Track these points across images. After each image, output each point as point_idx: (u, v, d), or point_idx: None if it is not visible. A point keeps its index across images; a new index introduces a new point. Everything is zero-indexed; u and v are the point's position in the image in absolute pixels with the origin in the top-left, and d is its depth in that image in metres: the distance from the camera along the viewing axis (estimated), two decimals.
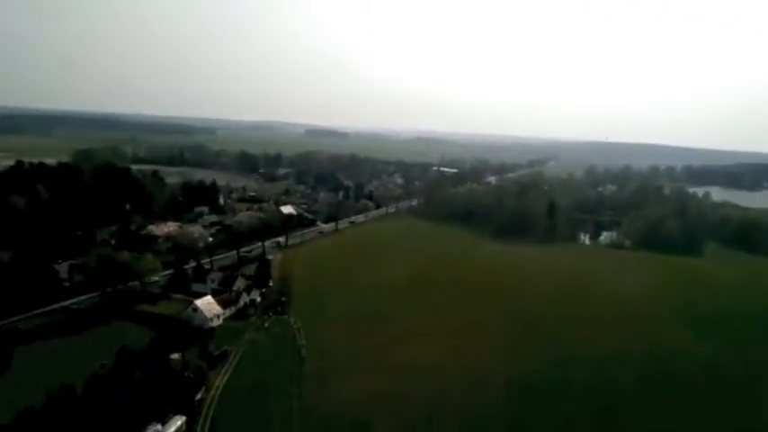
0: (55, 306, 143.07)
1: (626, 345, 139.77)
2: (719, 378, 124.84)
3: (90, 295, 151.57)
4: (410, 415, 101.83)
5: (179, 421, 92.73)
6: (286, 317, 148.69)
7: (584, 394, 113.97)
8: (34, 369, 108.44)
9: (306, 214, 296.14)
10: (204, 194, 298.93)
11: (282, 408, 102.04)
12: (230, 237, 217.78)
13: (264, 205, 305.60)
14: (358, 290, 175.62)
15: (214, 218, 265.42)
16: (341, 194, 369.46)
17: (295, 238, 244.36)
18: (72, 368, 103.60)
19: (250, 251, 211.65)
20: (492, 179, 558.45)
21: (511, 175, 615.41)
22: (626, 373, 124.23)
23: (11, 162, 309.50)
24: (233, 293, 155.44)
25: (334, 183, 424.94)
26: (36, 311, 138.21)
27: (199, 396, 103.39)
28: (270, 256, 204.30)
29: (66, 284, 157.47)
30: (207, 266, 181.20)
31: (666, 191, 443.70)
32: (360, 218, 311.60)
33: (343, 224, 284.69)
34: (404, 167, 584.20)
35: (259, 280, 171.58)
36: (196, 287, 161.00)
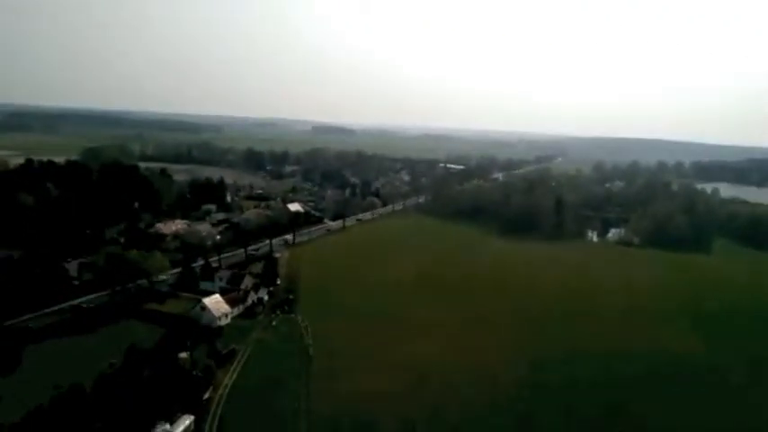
0: (64, 305, 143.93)
1: (633, 342, 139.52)
2: (726, 376, 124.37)
3: (99, 294, 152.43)
4: (418, 413, 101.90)
5: (187, 420, 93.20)
6: (293, 315, 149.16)
7: (591, 391, 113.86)
8: (44, 367, 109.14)
9: (313, 212, 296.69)
10: (212, 192, 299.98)
11: (290, 407, 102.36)
12: (238, 235, 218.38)
13: (272, 203, 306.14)
14: (365, 288, 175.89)
15: (221, 216, 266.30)
16: (348, 192, 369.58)
17: (302, 235, 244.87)
18: (81, 367, 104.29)
19: (257, 249, 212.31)
20: (499, 176, 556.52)
21: (518, 171, 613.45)
22: (633, 370, 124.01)
23: (20, 160, 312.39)
24: (241, 292, 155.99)
25: (341, 180, 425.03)
26: (46, 310, 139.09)
27: (207, 395, 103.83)
28: (277, 254, 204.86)
29: (76, 283, 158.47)
30: (215, 265, 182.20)
31: (675, 187, 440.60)
32: (367, 215, 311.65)
33: (350, 221, 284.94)
34: (410, 164, 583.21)
35: (267, 278, 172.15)
36: (204, 285, 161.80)
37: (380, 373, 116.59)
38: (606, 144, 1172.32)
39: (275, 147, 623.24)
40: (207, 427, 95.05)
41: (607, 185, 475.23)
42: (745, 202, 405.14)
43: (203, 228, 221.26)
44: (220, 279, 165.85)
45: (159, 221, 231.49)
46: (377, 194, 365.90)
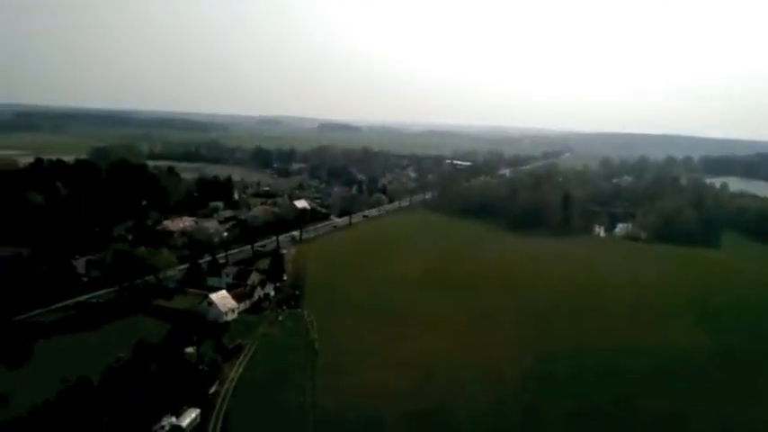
0: (73, 301, 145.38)
1: (641, 338, 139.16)
2: (735, 370, 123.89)
3: (107, 290, 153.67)
4: (424, 408, 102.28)
5: (193, 414, 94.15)
6: (299, 311, 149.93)
7: (598, 386, 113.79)
8: (54, 362, 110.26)
9: (319, 209, 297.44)
10: (219, 190, 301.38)
11: (296, 401, 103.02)
12: (245, 231, 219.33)
13: (278, 200, 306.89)
14: (371, 284, 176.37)
15: (229, 213, 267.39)
16: (354, 188, 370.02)
17: (309, 232, 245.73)
18: (90, 361, 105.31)
19: (264, 246, 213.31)
20: (506, 172, 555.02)
21: (525, 167, 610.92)
22: (640, 365, 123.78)
23: (30, 159, 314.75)
24: (247, 288, 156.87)
25: (348, 177, 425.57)
26: (54, 306, 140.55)
27: (213, 389, 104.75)
28: (284, 251, 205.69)
29: (84, 279, 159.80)
30: (222, 261, 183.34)
31: (683, 182, 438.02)
32: (373, 212, 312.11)
33: (356, 218, 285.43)
34: (417, 161, 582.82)
35: (273, 274, 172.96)
36: (211, 281, 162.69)
37: (386, 369, 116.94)
38: (613, 139, 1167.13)
39: (282, 144, 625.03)
40: (213, 421, 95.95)
41: (615, 180, 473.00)
42: (754, 197, 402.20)
43: (211, 225, 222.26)
44: (227, 275, 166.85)
45: (167, 219, 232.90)
46: (383, 191, 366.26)
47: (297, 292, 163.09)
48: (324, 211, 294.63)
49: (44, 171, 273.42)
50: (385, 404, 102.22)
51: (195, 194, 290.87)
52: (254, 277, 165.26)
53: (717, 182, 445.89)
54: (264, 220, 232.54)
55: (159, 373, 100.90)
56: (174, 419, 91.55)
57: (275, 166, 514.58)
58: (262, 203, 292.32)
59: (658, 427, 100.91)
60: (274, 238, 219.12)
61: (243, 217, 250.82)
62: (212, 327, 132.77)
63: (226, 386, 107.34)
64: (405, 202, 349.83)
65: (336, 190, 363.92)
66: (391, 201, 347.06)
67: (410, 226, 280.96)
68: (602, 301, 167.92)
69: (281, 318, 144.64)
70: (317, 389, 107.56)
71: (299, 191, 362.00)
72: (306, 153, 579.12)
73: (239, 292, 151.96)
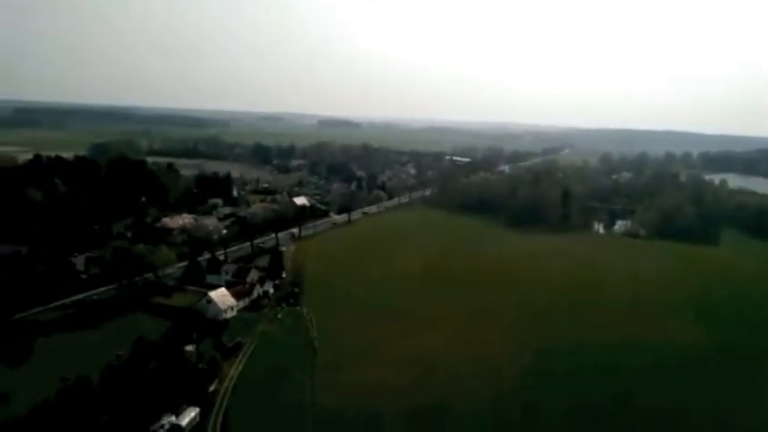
0: (72, 299, 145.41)
1: (640, 334, 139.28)
2: (734, 366, 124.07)
3: (106, 288, 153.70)
4: (424, 405, 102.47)
5: (192, 412, 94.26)
6: (299, 308, 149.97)
7: (597, 382, 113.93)
8: (53, 360, 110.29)
9: (319, 205, 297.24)
10: (218, 186, 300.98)
11: (295, 399, 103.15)
12: (244, 228, 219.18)
13: (278, 197, 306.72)
14: (371, 281, 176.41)
15: (228, 210, 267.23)
16: (354, 185, 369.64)
17: (308, 229, 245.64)
18: (89, 360, 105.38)
19: (264, 243, 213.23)
20: (505, 168, 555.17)
21: (524, 163, 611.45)
22: (640, 361, 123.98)
23: (28, 156, 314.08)
24: (246, 285, 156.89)
25: (347, 173, 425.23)
26: (53, 304, 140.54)
27: (212, 387, 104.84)
28: (283, 248, 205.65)
29: (83, 277, 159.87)
30: (221, 258, 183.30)
31: (682, 178, 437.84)
32: (373, 208, 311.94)
33: (356, 215, 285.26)
34: (416, 157, 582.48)
35: (272, 272, 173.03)
36: (210, 279, 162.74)
37: (385, 366, 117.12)
38: (613, 135, 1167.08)
39: (282, 141, 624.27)
40: (212, 419, 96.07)
41: (614, 177, 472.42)
42: (753, 193, 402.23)
43: (210, 222, 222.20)
44: (226, 272, 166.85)
45: (166, 216, 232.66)
46: (383, 188, 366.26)
47: (296, 290, 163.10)
48: (323, 207, 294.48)
49: (43, 168, 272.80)
50: (384, 401, 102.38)
51: (194, 191, 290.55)
52: (254, 275, 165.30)
53: (716, 178, 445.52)
54: (264, 217, 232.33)
55: (158, 371, 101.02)
56: (173, 418, 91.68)
57: (275, 162, 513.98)
58: (261, 200, 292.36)
59: (657, 423, 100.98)
60: (273, 235, 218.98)
61: (242, 214, 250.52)
62: (211, 325, 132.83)
63: (225, 384, 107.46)
64: (404, 199, 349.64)
65: (336, 186, 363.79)
66: (390, 197, 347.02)
67: (409, 222, 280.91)
68: (601, 297, 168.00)
69: (280, 315, 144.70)
70: (317, 386, 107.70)
71: (299, 187, 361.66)
72: (305, 149, 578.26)
73: (238, 289, 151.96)
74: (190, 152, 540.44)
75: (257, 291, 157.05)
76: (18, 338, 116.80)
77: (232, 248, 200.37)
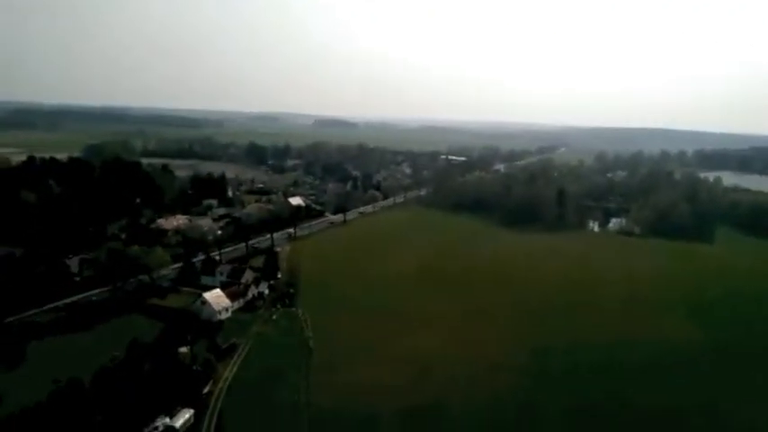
0: (66, 301, 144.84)
1: (636, 332, 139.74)
2: (730, 363, 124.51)
3: (101, 290, 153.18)
4: (419, 405, 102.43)
5: (187, 414, 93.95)
6: (294, 309, 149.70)
7: (593, 381, 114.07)
8: (48, 363, 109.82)
9: (314, 205, 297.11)
10: (213, 187, 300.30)
11: (290, 399, 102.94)
12: (239, 229, 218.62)
13: (273, 197, 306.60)
14: (366, 281, 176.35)
15: (223, 210, 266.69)
16: (349, 185, 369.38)
17: (303, 229, 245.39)
18: (83, 362, 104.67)
19: (259, 243, 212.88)
20: (501, 167, 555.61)
21: (520, 162, 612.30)
22: (636, 359, 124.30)
23: (23, 157, 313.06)
24: (241, 286, 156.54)
25: (343, 173, 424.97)
26: (47, 306, 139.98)
27: (207, 389, 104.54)
28: (278, 248, 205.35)
29: (77, 279, 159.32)
30: (216, 259, 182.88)
31: (677, 176, 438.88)
32: (368, 208, 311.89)
33: (351, 215, 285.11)
34: (412, 157, 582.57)
35: (267, 272, 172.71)
36: (205, 280, 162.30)
37: (381, 366, 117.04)
38: (608, 134, 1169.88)
39: (277, 141, 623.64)
40: (207, 421, 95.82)
41: (609, 175, 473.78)
42: (747, 191, 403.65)
43: (204, 223, 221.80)
44: (221, 273, 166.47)
45: (161, 217, 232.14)
46: (378, 187, 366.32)
47: (291, 290, 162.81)
48: (318, 207, 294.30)
49: (37, 169, 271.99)
50: (380, 401, 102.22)
51: (189, 192, 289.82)
52: (249, 275, 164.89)
53: (711, 176, 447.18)
54: (259, 218, 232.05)
55: (153, 372, 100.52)
56: (167, 420, 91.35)
57: (270, 162, 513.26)
58: (256, 201, 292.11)
59: (653, 422, 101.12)
60: (268, 235, 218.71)
61: (237, 214, 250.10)
62: (206, 326, 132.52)
63: (220, 386, 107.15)
64: (399, 199, 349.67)
65: (331, 186, 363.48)
66: (386, 197, 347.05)
67: (404, 222, 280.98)
68: (596, 296, 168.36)
69: (275, 316, 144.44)
70: (312, 387, 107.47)
71: (294, 188, 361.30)
72: (301, 149, 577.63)
73: (233, 290, 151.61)
74: (184, 153, 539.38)
75: (252, 292, 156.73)
76: (11, 341, 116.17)
77: (227, 249, 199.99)
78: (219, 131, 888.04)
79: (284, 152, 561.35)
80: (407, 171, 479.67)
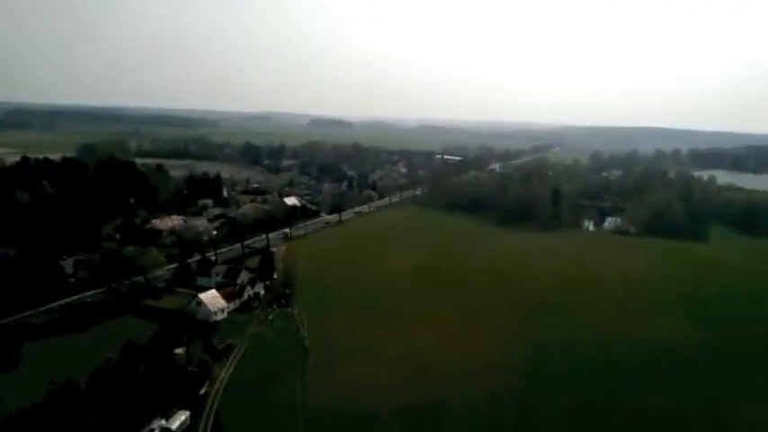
0: (61, 302, 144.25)
1: (631, 331, 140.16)
2: (726, 360, 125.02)
3: (95, 291, 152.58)
4: (415, 404, 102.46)
5: (183, 416, 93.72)
6: (290, 309, 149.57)
7: (589, 380, 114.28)
8: (42, 364, 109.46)
9: (310, 205, 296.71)
10: (208, 187, 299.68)
11: (286, 400, 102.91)
12: (234, 229, 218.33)
13: (268, 197, 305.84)
14: (362, 281, 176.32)
15: (218, 210, 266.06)
16: (345, 185, 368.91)
17: (299, 229, 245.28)
18: (78, 363, 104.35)
19: (254, 244, 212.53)
20: (496, 166, 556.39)
21: (515, 161, 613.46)
22: (632, 358, 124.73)
23: (17, 158, 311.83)
24: (237, 287, 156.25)
25: (338, 173, 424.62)
26: (42, 308, 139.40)
27: (203, 390, 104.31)
28: (274, 249, 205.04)
29: (72, 280, 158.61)
30: (211, 260, 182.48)
31: (671, 175, 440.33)
32: (364, 208, 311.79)
33: (347, 215, 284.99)
34: (408, 156, 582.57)
35: (263, 273, 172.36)
36: (200, 281, 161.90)
37: (377, 366, 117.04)
38: (603, 133, 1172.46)
39: (272, 141, 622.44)
40: (203, 422, 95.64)
41: (604, 174, 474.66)
42: (741, 189, 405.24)
43: (200, 223, 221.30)
44: (216, 274, 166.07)
45: (155, 217, 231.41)
46: (374, 187, 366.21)
47: (287, 291, 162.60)
48: (314, 207, 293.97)
49: (30, 170, 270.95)
50: (376, 401, 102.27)
51: (184, 192, 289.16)
52: (244, 276, 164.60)
53: (705, 175, 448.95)
54: (254, 218, 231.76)
55: (148, 374, 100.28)
56: (163, 422, 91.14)
57: (265, 162, 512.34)
58: (251, 201, 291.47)
59: (650, 421, 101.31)
60: (264, 235, 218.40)
61: (232, 215, 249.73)
62: (202, 327, 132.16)
63: (216, 387, 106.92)
64: (395, 198, 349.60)
65: (326, 186, 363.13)
66: (381, 197, 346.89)
67: (400, 222, 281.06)
68: (591, 295, 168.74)
69: (271, 316, 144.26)
70: (308, 387, 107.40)
71: (289, 188, 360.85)
72: (296, 149, 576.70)
73: (229, 291, 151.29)
74: (179, 153, 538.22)
75: (248, 292, 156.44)
76: (6, 342, 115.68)
77: (222, 250, 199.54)
78: (215, 131, 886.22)
79: (279, 152, 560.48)
80: (403, 171, 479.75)
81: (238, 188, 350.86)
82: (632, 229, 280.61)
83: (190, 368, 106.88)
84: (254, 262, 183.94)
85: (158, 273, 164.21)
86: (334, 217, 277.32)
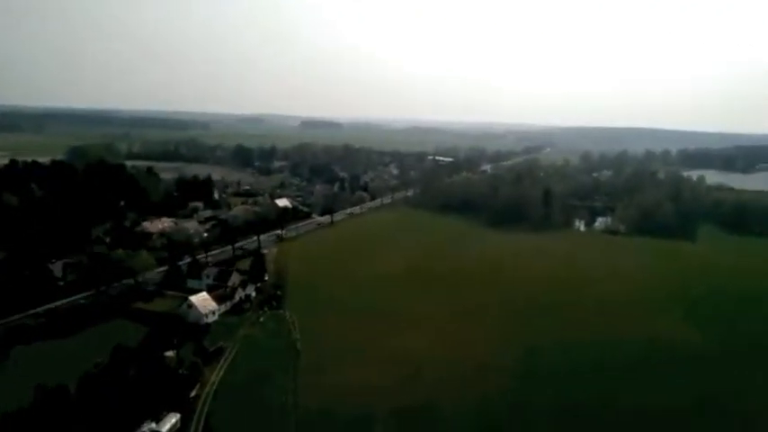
0: (49, 306, 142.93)
1: (622, 330, 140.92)
2: (714, 362, 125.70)
3: (85, 294, 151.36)
4: (407, 406, 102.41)
5: (173, 419, 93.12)
6: (281, 311, 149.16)
7: (581, 381, 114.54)
8: (31, 369, 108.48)
9: (301, 207, 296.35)
10: (199, 189, 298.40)
11: (278, 401, 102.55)
12: (225, 231, 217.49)
13: (260, 199, 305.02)
14: (354, 282, 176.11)
15: (209, 213, 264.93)
16: (336, 186, 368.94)
17: (290, 231, 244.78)
18: (67, 367, 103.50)
19: (246, 246, 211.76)
20: (487, 167, 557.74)
21: (506, 162, 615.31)
22: (623, 358, 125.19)
23: (5, 161, 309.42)
24: (228, 289, 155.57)
25: (330, 174, 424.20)
26: (30, 312, 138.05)
27: (194, 393, 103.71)
28: (265, 251, 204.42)
29: (61, 283, 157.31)
30: (202, 262, 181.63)
31: (661, 175, 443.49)
32: (355, 209, 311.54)
33: (338, 216, 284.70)
34: (399, 157, 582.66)
35: (254, 275, 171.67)
36: (191, 283, 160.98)
37: (369, 367, 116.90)
38: (594, 134, 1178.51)
39: (264, 142, 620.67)
40: (193, 425, 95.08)
41: (595, 175, 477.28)
42: (730, 189, 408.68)
43: (190, 225, 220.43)
44: (207, 276, 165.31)
45: (145, 220, 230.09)
46: (365, 188, 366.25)
47: (278, 293, 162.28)
48: (305, 209, 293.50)
49: (19, 173, 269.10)
50: (368, 402, 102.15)
51: (174, 194, 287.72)
52: (235, 278, 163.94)
53: (694, 175, 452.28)
54: (245, 220, 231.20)
55: (138, 377, 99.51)
56: (153, 425, 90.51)
57: (256, 164, 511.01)
58: (242, 203, 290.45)
59: (640, 420, 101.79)
60: (255, 237, 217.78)
61: (223, 217, 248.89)
62: (192, 329, 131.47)
63: (207, 389, 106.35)
64: (386, 200, 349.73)
65: (318, 188, 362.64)
66: (373, 198, 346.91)
67: (392, 223, 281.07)
68: (582, 295, 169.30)
69: (262, 319, 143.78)
70: (300, 389, 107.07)
71: (281, 189, 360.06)
72: (287, 151, 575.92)
73: (220, 293, 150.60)
74: (170, 155, 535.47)
75: (239, 294, 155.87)
76: None
77: (213, 252, 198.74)
78: (206, 134, 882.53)
79: (270, 154, 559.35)
80: (394, 172, 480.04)
81: (229, 190, 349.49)
82: (622, 229, 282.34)
83: (180, 371, 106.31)
84: (245, 264, 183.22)
85: (148, 275, 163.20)
86: (326, 218, 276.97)
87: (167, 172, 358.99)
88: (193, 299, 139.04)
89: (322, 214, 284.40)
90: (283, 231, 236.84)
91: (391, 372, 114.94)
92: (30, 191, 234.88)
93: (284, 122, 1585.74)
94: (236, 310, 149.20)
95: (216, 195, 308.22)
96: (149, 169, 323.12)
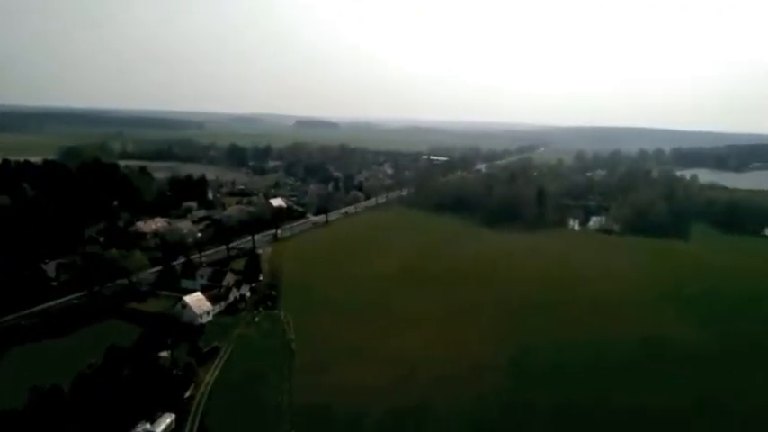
0: (43, 306, 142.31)
1: (616, 329, 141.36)
2: (708, 360, 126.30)
3: (78, 294, 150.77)
4: (403, 405, 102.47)
5: (168, 419, 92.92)
6: (276, 311, 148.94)
7: (575, 380, 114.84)
8: (24, 369, 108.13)
9: (296, 207, 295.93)
10: (193, 189, 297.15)
11: (272, 401, 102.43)
12: (219, 231, 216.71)
13: (254, 199, 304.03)
14: (348, 282, 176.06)
15: (203, 213, 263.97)
16: (331, 186, 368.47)
17: (285, 231, 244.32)
18: (61, 368, 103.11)
19: (240, 245, 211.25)
20: (482, 167, 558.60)
21: (500, 162, 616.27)
22: (617, 357, 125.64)
23: None
24: (222, 289, 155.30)
25: (324, 174, 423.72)
26: (23, 312, 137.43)
27: (188, 393, 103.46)
28: (259, 251, 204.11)
29: (54, 284, 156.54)
30: (196, 262, 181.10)
31: (655, 174, 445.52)
32: (350, 209, 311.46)
33: (333, 216, 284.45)
34: (394, 157, 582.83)
35: (249, 275, 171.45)
36: (185, 283, 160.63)
37: (363, 367, 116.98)
38: (588, 133, 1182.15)
39: (258, 142, 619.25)
40: (188, 425, 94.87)
41: (588, 174, 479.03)
42: (723, 188, 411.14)
43: (184, 225, 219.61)
44: (202, 276, 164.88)
45: (139, 220, 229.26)
46: (360, 188, 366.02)
47: (273, 292, 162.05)
48: (300, 209, 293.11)
49: (11, 172, 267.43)
50: (363, 402, 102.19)
51: (168, 194, 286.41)
52: (230, 278, 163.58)
53: (687, 174, 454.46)
54: (239, 220, 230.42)
55: (132, 378, 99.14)
56: (148, 425, 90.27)
57: (250, 164, 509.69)
58: (237, 203, 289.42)
59: (633, 419, 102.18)
60: (250, 237, 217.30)
61: (217, 217, 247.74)
62: (187, 330, 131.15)
63: (201, 390, 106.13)
64: (381, 199, 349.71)
65: (313, 188, 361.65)
66: (368, 198, 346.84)
67: (386, 223, 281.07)
68: (576, 294, 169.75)
69: (257, 319, 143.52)
70: (295, 389, 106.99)
71: (275, 189, 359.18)
72: (282, 150, 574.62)
73: (214, 293, 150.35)
74: (163, 154, 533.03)
75: (234, 294, 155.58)
76: None
77: (207, 252, 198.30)
78: (200, 133, 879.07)
79: (265, 153, 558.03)
80: (389, 171, 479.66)
81: (224, 190, 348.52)
82: (616, 228, 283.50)
83: (175, 371, 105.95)
84: (239, 264, 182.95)
85: (142, 276, 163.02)
86: (321, 218, 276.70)
87: (161, 172, 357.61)
88: (188, 299, 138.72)
89: (317, 214, 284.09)
90: (278, 231, 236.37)
91: (386, 371, 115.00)
92: (22, 191, 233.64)
93: (279, 122, 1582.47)
94: (231, 310, 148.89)
95: (210, 195, 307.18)
96: (142, 169, 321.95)
